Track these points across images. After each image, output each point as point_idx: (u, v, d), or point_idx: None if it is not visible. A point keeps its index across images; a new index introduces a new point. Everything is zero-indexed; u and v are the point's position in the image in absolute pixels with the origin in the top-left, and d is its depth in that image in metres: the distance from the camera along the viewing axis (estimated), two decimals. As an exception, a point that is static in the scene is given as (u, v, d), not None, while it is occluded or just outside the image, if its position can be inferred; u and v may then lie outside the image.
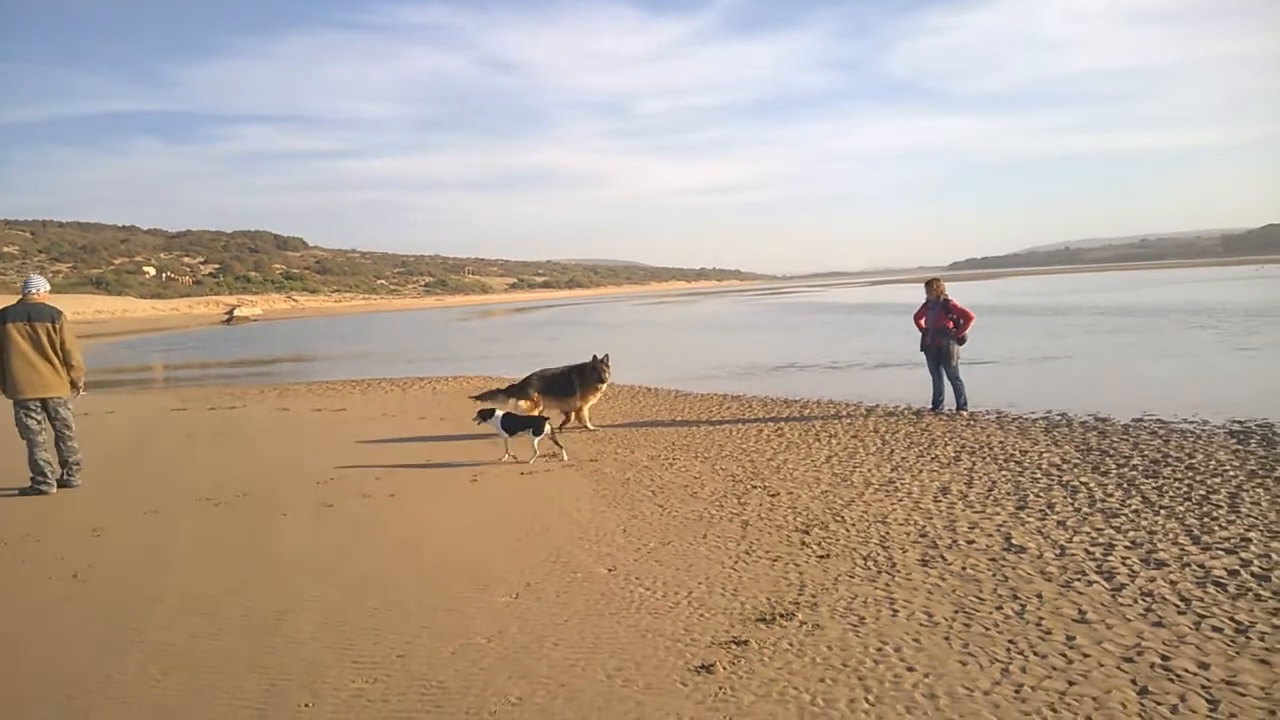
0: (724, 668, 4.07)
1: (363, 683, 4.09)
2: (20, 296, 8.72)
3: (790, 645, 4.31)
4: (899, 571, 5.37)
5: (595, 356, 11.16)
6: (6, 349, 8.41)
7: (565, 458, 9.32)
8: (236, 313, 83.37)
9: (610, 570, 5.60)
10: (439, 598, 5.21)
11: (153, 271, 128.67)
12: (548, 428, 9.38)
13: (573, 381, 11.21)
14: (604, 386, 11.31)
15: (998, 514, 6.61)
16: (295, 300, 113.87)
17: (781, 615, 4.69)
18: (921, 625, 4.52)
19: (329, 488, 8.34)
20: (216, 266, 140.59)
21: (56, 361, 8.60)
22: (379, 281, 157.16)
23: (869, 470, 8.32)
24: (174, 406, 15.57)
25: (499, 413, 9.53)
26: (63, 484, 8.70)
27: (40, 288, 8.81)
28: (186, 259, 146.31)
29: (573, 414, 11.42)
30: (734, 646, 4.31)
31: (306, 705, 3.89)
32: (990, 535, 6.07)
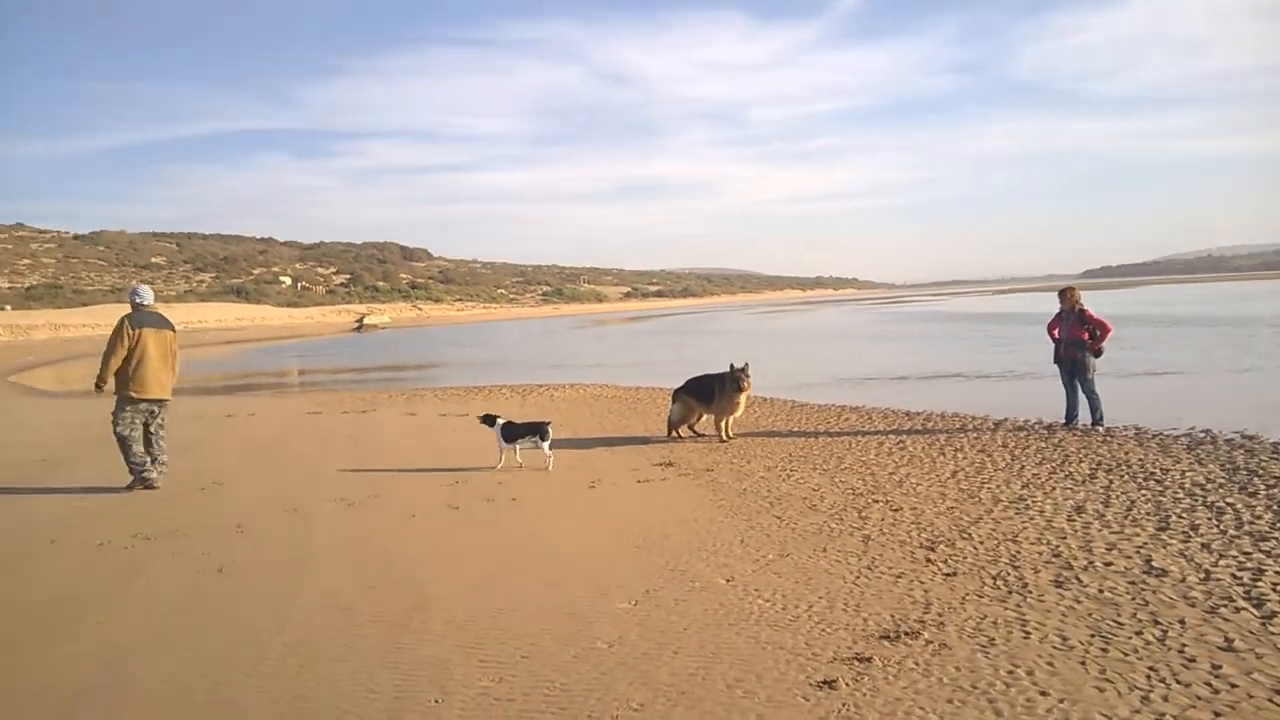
0: (847, 684, 4.01)
1: (489, 681, 4.20)
2: (136, 305, 9.27)
3: (916, 664, 4.21)
4: (1031, 592, 5.18)
5: (733, 365, 11.06)
6: (143, 352, 9.03)
7: (549, 467, 9.41)
8: (366, 321, 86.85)
9: (729, 581, 5.59)
10: (561, 601, 5.31)
11: (289, 281, 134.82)
12: (550, 431, 9.47)
13: (713, 389, 11.18)
14: (742, 397, 11.10)
15: (1137, 535, 6.29)
16: (420, 309, 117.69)
17: (906, 633, 4.59)
18: (1055, 648, 4.35)
19: (454, 490, 8.61)
20: (348, 276, 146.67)
21: (171, 368, 9.30)
22: (498, 290, 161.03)
23: (998, 487, 8.04)
24: (310, 410, 16.34)
25: (499, 421, 9.60)
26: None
27: (151, 297, 9.50)
28: (320, 269, 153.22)
29: (718, 420, 11.34)
30: (857, 663, 4.24)
31: (436, 701, 4.02)
32: (1129, 557, 5.78)
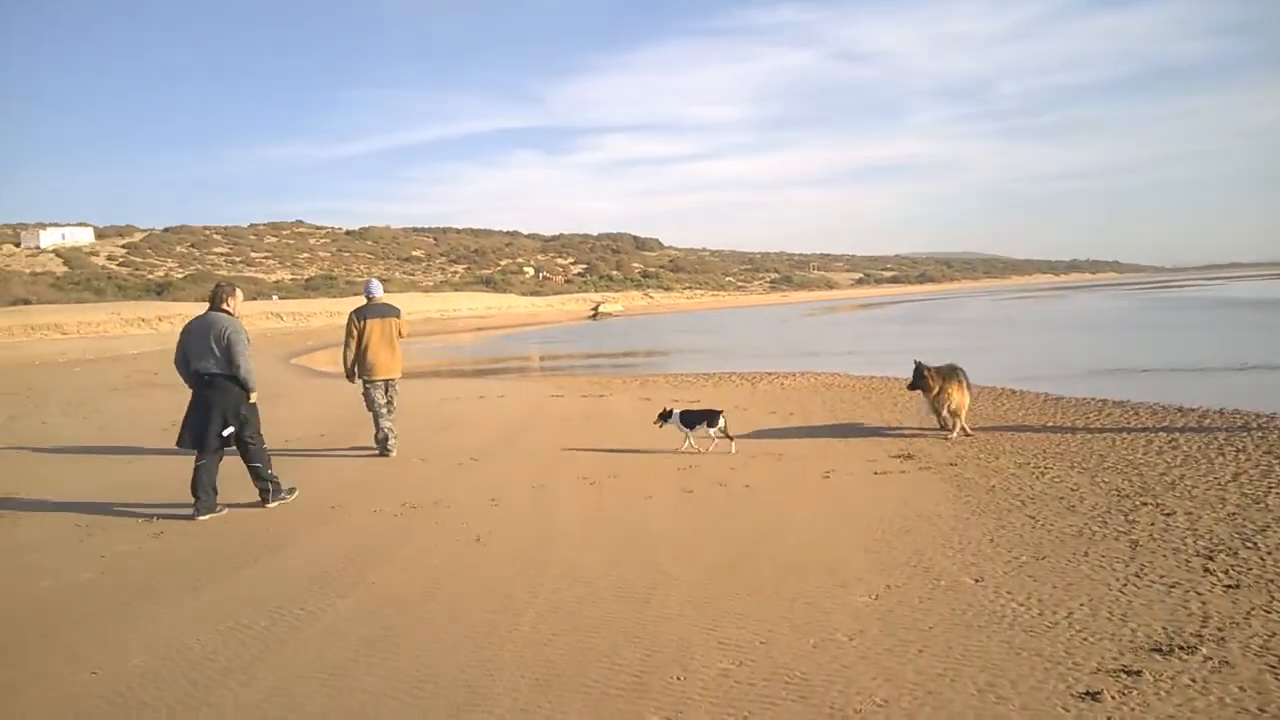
0: (1112, 697, 3.72)
1: (729, 664, 4.26)
2: (367, 298, 10.67)
3: (1192, 681, 3.84)
4: (1335, 613, 4.57)
5: (916, 363, 10.83)
6: (368, 340, 10.25)
7: (732, 450, 9.79)
8: (601, 309, 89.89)
9: (977, 581, 5.33)
10: (797, 589, 5.28)
11: (531, 272, 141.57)
12: (721, 420, 9.80)
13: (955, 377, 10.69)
14: (956, 390, 10.53)
15: None
16: (651, 297, 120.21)
17: (1181, 647, 4.18)
18: (1367, 679, 3.82)
19: (687, 475, 8.77)
20: (584, 267, 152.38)
21: (398, 349, 10.50)
22: (727, 278, 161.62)
23: (1291, 493, 7.13)
24: (552, 393, 17.19)
25: (676, 411, 10.13)
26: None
27: (380, 291, 10.84)
28: (559, 260, 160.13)
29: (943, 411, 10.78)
30: (1124, 676, 3.92)
31: (678, 678, 4.13)
32: None
